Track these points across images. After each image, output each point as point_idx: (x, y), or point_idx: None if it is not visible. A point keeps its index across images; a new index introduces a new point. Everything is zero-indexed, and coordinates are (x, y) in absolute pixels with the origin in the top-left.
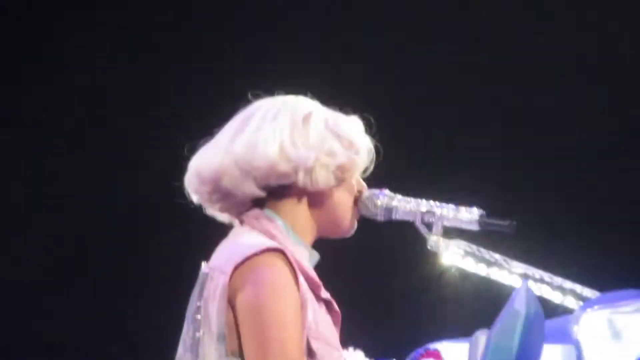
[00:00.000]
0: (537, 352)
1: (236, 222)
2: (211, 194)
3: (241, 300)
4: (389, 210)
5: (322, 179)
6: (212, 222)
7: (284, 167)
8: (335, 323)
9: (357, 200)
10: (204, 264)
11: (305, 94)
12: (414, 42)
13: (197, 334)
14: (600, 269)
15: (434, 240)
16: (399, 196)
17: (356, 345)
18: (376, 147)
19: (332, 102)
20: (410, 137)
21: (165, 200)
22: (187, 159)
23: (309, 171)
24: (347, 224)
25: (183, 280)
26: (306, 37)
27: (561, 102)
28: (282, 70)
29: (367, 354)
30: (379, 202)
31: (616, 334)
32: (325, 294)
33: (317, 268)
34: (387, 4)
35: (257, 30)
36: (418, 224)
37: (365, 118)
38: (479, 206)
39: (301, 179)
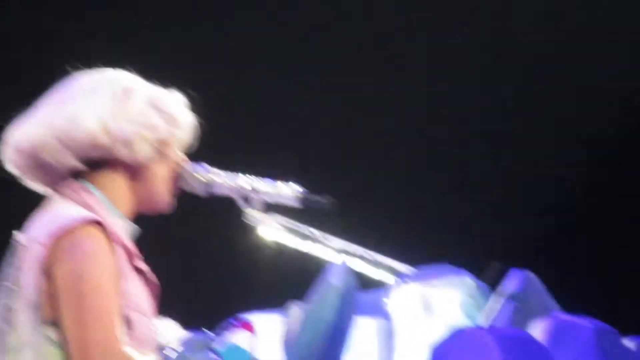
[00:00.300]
0: (350, 323)
1: (52, 192)
2: (29, 165)
3: (59, 270)
4: (209, 185)
5: (142, 152)
6: (25, 192)
7: (104, 140)
8: (151, 293)
9: (177, 176)
10: (18, 234)
11: (125, 67)
12: (245, 23)
13: (10, 303)
14: (415, 245)
15: (252, 214)
16: (219, 171)
17: (172, 316)
18: (199, 123)
19: (154, 77)
20: (235, 113)
21: None
22: (3, 130)
23: (129, 144)
24: (165, 199)
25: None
26: (127, 12)
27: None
28: (102, 43)
29: (181, 325)
30: (199, 177)
31: (428, 308)
32: (142, 265)
33: (136, 240)
34: None
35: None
36: (237, 198)
37: (189, 94)
38: (300, 184)
39: (121, 152)
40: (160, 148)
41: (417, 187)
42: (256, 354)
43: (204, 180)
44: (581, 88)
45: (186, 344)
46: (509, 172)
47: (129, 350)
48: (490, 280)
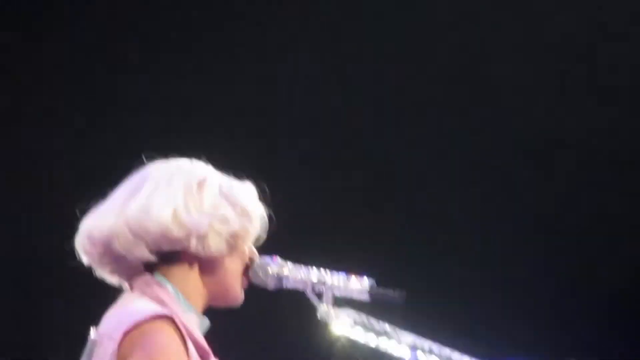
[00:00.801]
0: None
1: (126, 286)
2: (102, 256)
3: None
4: (279, 278)
5: (215, 245)
6: (102, 287)
7: (176, 232)
8: None
9: (247, 269)
10: (92, 330)
11: (199, 158)
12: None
13: None
14: (491, 339)
15: (324, 310)
16: (290, 264)
17: None
18: (269, 215)
19: (226, 168)
20: (304, 205)
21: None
22: (79, 220)
23: (202, 237)
24: (236, 293)
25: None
26: (201, 103)
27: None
28: (176, 134)
29: None
30: (270, 270)
31: None
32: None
33: (207, 335)
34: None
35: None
36: (309, 292)
37: (259, 185)
38: (369, 276)
39: (194, 245)
40: (233, 241)
41: (492, 277)
42: None
43: (275, 274)
44: None
45: None
46: (596, 265)
47: None
48: None
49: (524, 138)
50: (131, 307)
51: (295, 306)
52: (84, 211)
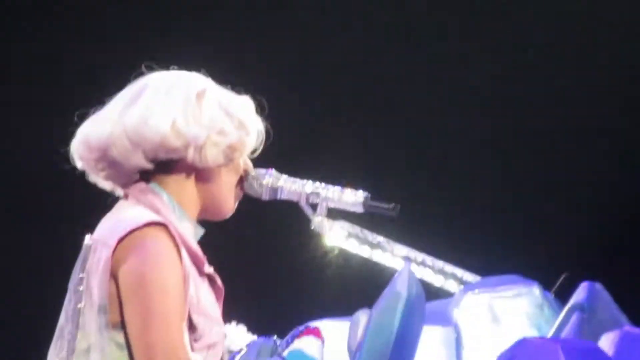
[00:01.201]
0: (417, 332)
1: (120, 193)
2: (97, 162)
3: (124, 272)
4: (274, 189)
5: (212, 156)
6: (97, 194)
7: (174, 142)
8: (218, 298)
9: (242, 180)
10: (87, 237)
11: (198, 70)
12: (309, 30)
13: (79, 305)
14: (482, 254)
15: (318, 221)
16: (285, 176)
17: (239, 321)
18: (266, 129)
19: (225, 81)
20: (300, 119)
21: (51, 168)
22: (76, 125)
23: (199, 148)
24: (229, 204)
25: (67, 252)
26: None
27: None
28: (176, 45)
29: (248, 330)
30: (264, 182)
31: (495, 318)
32: (208, 269)
33: (202, 243)
34: None
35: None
36: (303, 204)
37: (257, 99)
38: (364, 189)
39: (191, 155)
40: (229, 153)
41: (486, 193)
42: None
43: (269, 185)
44: None
45: (252, 349)
46: (580, 178)
47: (193, 356)
48: (559, 291)
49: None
50: (126, 214)
51: (289, 217)
52: (82, 117)
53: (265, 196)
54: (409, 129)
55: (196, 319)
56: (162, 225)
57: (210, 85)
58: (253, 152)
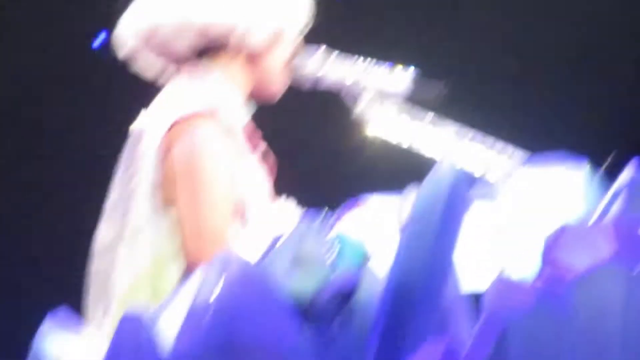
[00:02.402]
0: (464, 209)
1: (172, 71)
2: (146, 42)
3: (176, 155)
4: (315, 79)
5: (259, 39)
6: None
7: (220, 25)
8: (270, 173)
9: (290, 65)
10: (140, 116)
11: None
12: None
13: (131, 184)
14: (533, 131)
15: (361, 110)
16: (333, 58)
17: (290, 195)
18: (314, 4)
19: None
20: None
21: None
22: (121, 11)
23: (246, 30)
24: (276, 88)
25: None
26: None
27: None
28: None
29: (300, 204)
30: (305, 71)
31: (544, 195)
32: (260, 145)
33: (256, 119)
34: None
35: None
36: (347, 92)
37: None
38: (413, 64)
39: (237, 38)
40: (276, 36)
41: (535, 70)
42: (369, 243)
43: (310, 74)
44: None
45: (297, 229)
46: (629, 55)
47: (241, 237)
48: (609, 168)
49: None
50: (179, 96)
51: (332, 105)
52: (124, 6)
53: (308, 84)
54: (457, 5)
55: (246, 199)
56: (213, 111)
57: None
58: (304, 28)
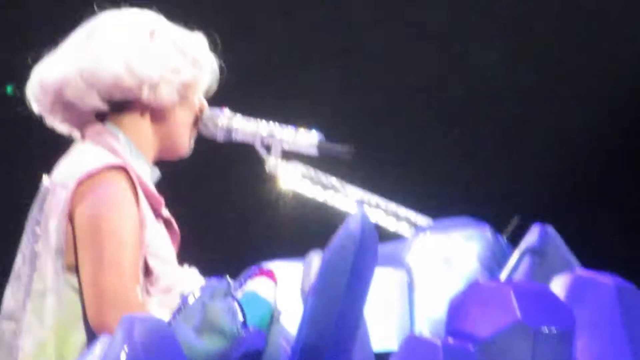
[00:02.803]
0: (370, 273)
1: (77, 136)
2: (53, 104)
3: (81, 215)
4: (228, 130)
5: (166, 95)
6: (54, 136)
7: (128, 81)
8: (173, 241)
9: (197, 120)
10: (45, 178)
11: (151, 8)
12: None
13: (36, 247)
14: (435, 197)
15: (273, 163)
16: (239, 116)
17: (192, 263)
18: (220, 67)
19: (177, 18)
20: (255, 57)
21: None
22: (30, 68)
23: (154, 87)
24: (185, 144)
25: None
26: None
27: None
28: None
29: (202, 272)
30: (219, 122)
31: (447, 260)
32: (165, 212)
33: (157, 186)
34: None
35: None
36: (257, 145)
37: (211, 36)
38: (320, 132)
39: (145, 94)
40: (184, 91)
41: (438, 137)
42: (276, 302)
43: (224, 126)
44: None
45: (205, 290)
46: (533, 123)
47: (147, 300)
48: (510, 234)
49: None
50: (84, 156)
51: (244, 159)
52: (36, 59)
53: (220, 137)
54: (365, 73)
55: (152, 263)
56: (121, 168)
57: (164, 23)
58: (208, 91)
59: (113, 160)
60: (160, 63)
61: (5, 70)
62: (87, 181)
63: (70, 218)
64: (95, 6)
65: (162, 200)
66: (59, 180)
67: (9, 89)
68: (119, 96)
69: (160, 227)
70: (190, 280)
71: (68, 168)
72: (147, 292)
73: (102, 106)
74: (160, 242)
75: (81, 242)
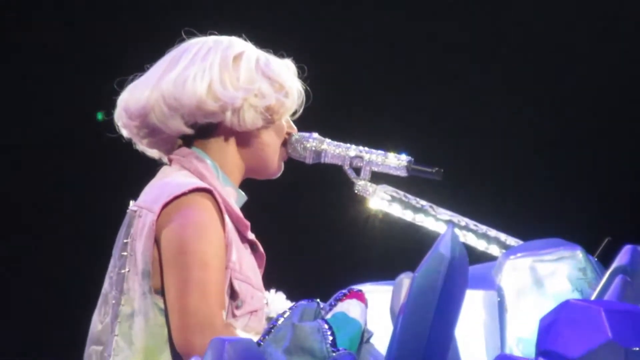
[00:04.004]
0: (460, 295)
1: (165, 160)
2: (139, 128)
3: (167, 238)
4: (317, 153)
5: (250, 119)
6: (140, 161)
7: (211, 105)
8: (259, 265)
9: (285, 143)
10: (131, 202)
11: (239, 35)
12: None
13: (123, 271)
14: (526, 217)
15: (362, 185)
16: (328, 140)
17: (279, 288)
18: (306, 91)
19: (266, 45)
20: (343, 81)
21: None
22: (117, 94)
23: (237, 111)
24: (274, 165)
25: (111, 220)
26: None
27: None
28: (217, 9)
29: (290, 296)
30: (308, 145)
31: (538, 282)
32: (251, 235)
33: (244, 209)
34: None
35: None
36: (346, 168)
37: (298, 62)
38: (408, 153)
39: (229, 118)
40: (268, 115)
41: (530, 157)
42: (366, 323)
43: (312, 148)
44: None
45: (295, 311)
46: (626, 137)
47: (233, 323)
48: (602, 255)
49: None
50: (171, 180)
51: (334, 181)
52: (122, 84)
53: (309, 160)
54: (452, 93)
55: (238, 286)
56: (207, 191)
57: (250, 48)
58: (293, 114)
59: (199, 183)
60: (244, 87)
61: (96, 97)
62: (173, 204)
63: (157, 240)
64: (183, 33)
65: (248, 224)
66: (145, 204)
67: (100, 116)
68: (202, 120)
69: (246, 250)
70: (276, 304)
71: (154, 191)
72: (233, 314)
73: (187, 130)
74: (246, 265)
75: (167, 264)
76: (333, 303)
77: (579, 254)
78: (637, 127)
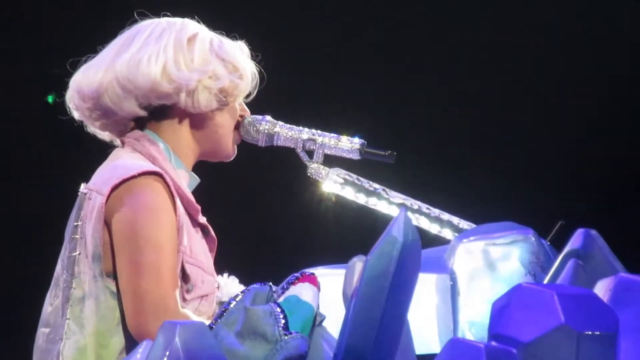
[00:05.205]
0: (413, 279)
1: (117, 142)
2: (92, 110)
3: (117, 221)
4: (270, 136)
5: (204, 101)
6: (93, 142)
7: (165, 87)
8: (211, 249)
9: (238, 125)
10: (82, 185)
11: (192, 17)
12: None
13: (74, 254)
14: (478, 201)
15: (314, 168)
16: (281, 123)
17: (231, 271)
18: (260, 73)
19: (218, 27)
20: (296, 63)
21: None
22: (69, 75)
23: (191, 93)
24: (228, 148)
25: (62, 201)
26: None
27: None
28: None
29: (242, 280)
30: (260, 128)
31: (491, 265)
32: (202, 219)
33: (196, 192)
34: None
35: None
36: (299, 150)
37: (252, 44)
38: (361, 136)
39: (183, 100)
40: (222, 97)
41: (480, 140)
42: (319, 307)
43: (265, 131)
44: None
45: (247, 295)
46: (574, 127)
47: (184, 306)
48: (554, 238)
49: None
50: (121, 162)
51: (286, 163)
52: (75, 66)
53: (262, 142)
54: (407, 77)
55: (189, 269)
56: (157, 174)
57: (203, 30)
58: (247, 96)
59: (149, 166)
60: (198, 69)
61: (46, 79)
62: (123, 187)
63: (107, 223)
64: (135, 15)
65: (199, 207)
66: (95, 186)
67: (50, 98)
68: (156, 102)
69: (198, 234)
70: (229, 288)
71: (104, 174)
72: (183, 298)
73: (141, 112)
74: (197, 249)
75: (118, 248)
76: (285, 286)
77: (532, 237)
78: (588, 111)
